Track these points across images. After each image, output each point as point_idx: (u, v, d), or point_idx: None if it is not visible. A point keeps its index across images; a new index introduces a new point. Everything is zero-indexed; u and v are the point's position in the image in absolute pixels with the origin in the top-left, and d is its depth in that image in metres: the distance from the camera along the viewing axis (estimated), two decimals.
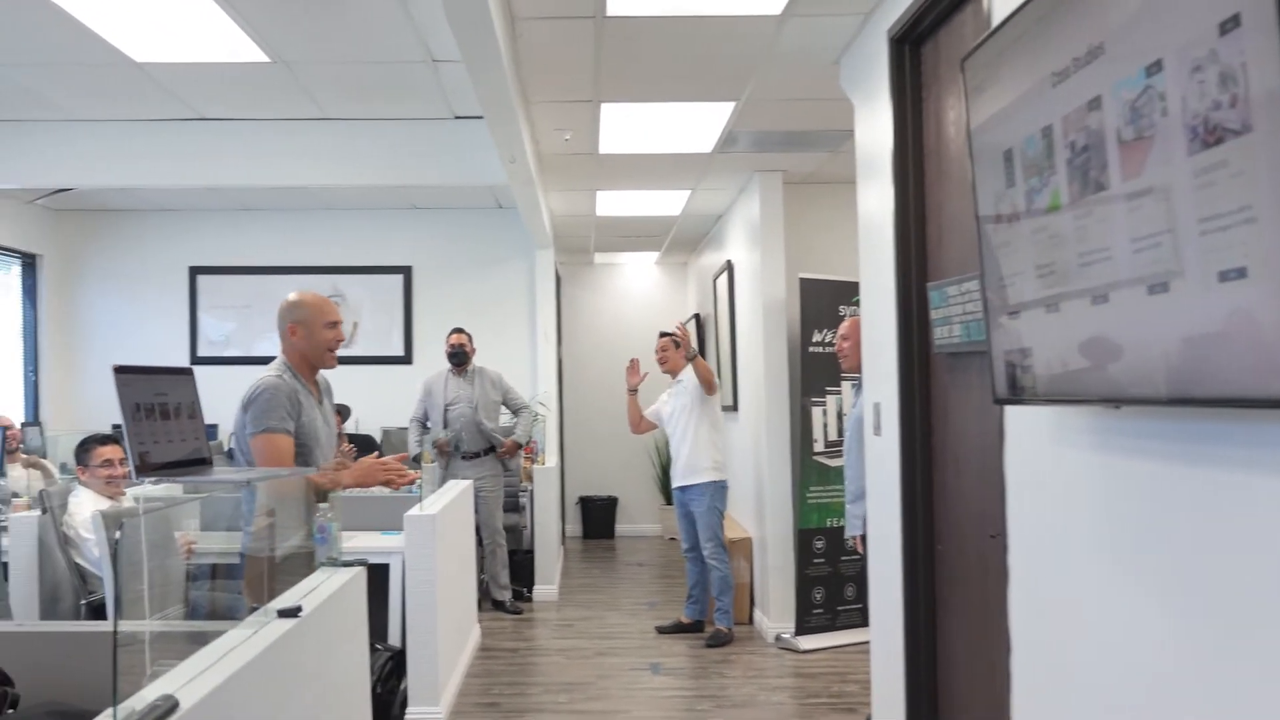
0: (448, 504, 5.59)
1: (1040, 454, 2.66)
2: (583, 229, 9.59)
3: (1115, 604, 2.26)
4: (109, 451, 5.02)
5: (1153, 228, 1.79)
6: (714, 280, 9.26)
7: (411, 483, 4.20)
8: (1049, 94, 2.15)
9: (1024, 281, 2.35)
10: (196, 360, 9.17)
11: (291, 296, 4.03)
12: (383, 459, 4.08)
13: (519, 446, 7.81)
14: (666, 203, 8.41)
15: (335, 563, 3.55)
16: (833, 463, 6.71)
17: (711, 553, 6.76)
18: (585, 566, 9.80)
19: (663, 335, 7.19)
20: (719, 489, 6.80)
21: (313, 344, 3.96)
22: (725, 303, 8.57)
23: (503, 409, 7.86)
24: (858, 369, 4.62)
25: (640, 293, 12.00)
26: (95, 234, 9.31)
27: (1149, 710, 2.12)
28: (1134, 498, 2.18)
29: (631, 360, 7.16)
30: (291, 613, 2.84)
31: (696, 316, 10.50)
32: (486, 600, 7.74)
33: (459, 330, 7.83)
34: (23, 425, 7.46)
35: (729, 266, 8.42)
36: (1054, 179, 2.15)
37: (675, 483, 6.98)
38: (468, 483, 6.77)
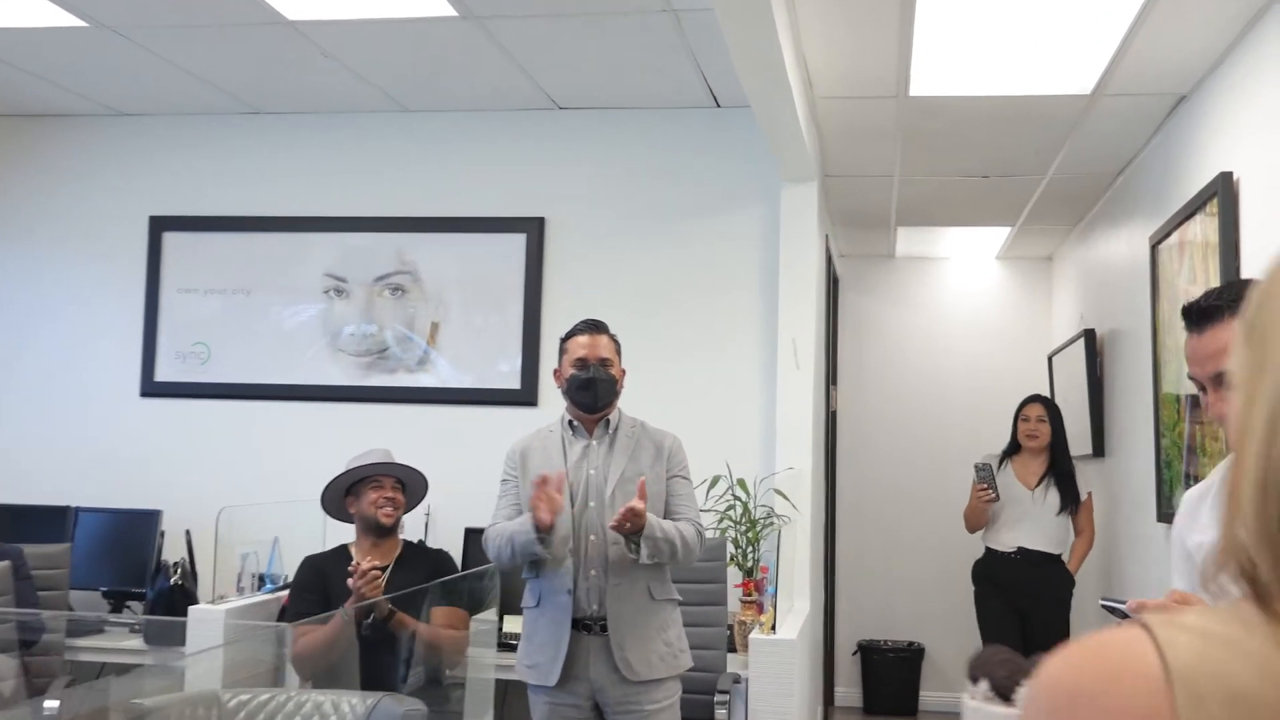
0: None
1: None
2: (878, 146, 4.85)
3: None
4: None
5: None
6: (1153, 245, 4.35)
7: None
8: None
9: None
10: (150, 389, 5.01)
11: None
12: None
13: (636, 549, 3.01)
14: (1062, 58, 3.60)
15: None
16: None
17: None
18: None
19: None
20: None
21: None
22: (1173, 285, 3.65)
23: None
24: None
25: (973, 307, 7.06)
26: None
27: None
28: None
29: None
30: None
31: (1089, 335, 5.54)
32: None
33: (597, 326, 3.30)
34: None
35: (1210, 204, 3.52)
36: None
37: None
38: None
